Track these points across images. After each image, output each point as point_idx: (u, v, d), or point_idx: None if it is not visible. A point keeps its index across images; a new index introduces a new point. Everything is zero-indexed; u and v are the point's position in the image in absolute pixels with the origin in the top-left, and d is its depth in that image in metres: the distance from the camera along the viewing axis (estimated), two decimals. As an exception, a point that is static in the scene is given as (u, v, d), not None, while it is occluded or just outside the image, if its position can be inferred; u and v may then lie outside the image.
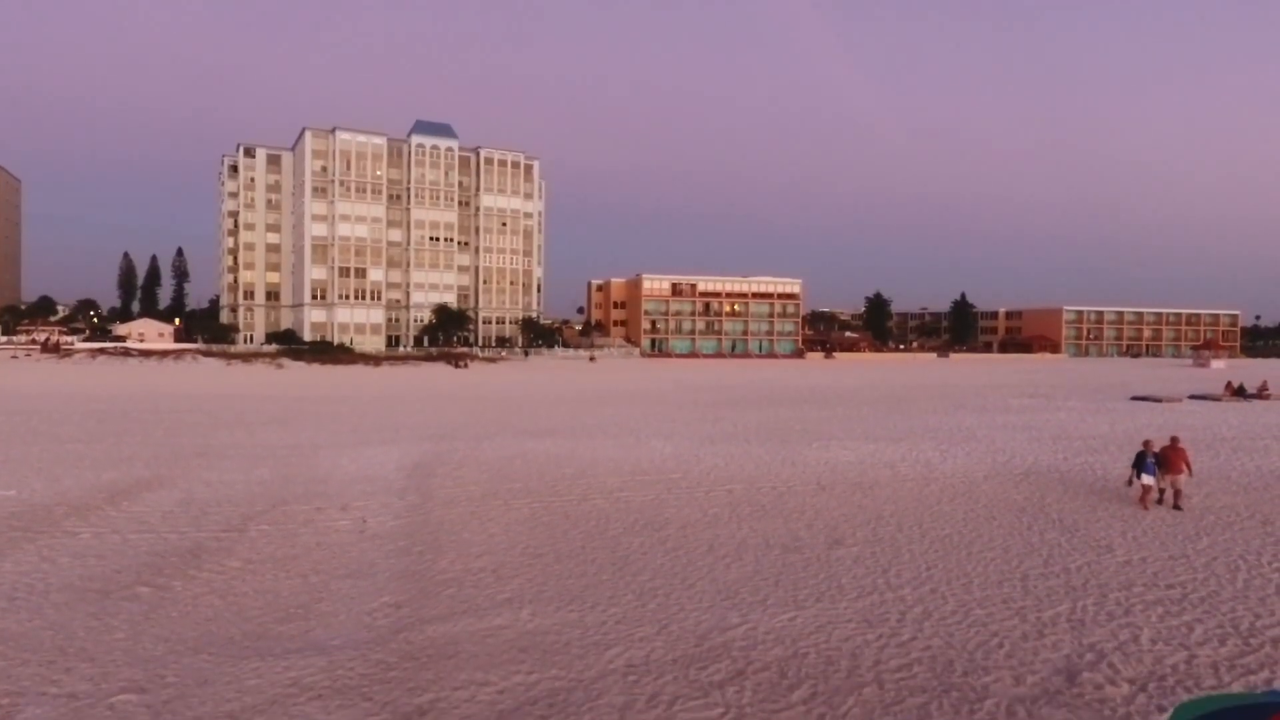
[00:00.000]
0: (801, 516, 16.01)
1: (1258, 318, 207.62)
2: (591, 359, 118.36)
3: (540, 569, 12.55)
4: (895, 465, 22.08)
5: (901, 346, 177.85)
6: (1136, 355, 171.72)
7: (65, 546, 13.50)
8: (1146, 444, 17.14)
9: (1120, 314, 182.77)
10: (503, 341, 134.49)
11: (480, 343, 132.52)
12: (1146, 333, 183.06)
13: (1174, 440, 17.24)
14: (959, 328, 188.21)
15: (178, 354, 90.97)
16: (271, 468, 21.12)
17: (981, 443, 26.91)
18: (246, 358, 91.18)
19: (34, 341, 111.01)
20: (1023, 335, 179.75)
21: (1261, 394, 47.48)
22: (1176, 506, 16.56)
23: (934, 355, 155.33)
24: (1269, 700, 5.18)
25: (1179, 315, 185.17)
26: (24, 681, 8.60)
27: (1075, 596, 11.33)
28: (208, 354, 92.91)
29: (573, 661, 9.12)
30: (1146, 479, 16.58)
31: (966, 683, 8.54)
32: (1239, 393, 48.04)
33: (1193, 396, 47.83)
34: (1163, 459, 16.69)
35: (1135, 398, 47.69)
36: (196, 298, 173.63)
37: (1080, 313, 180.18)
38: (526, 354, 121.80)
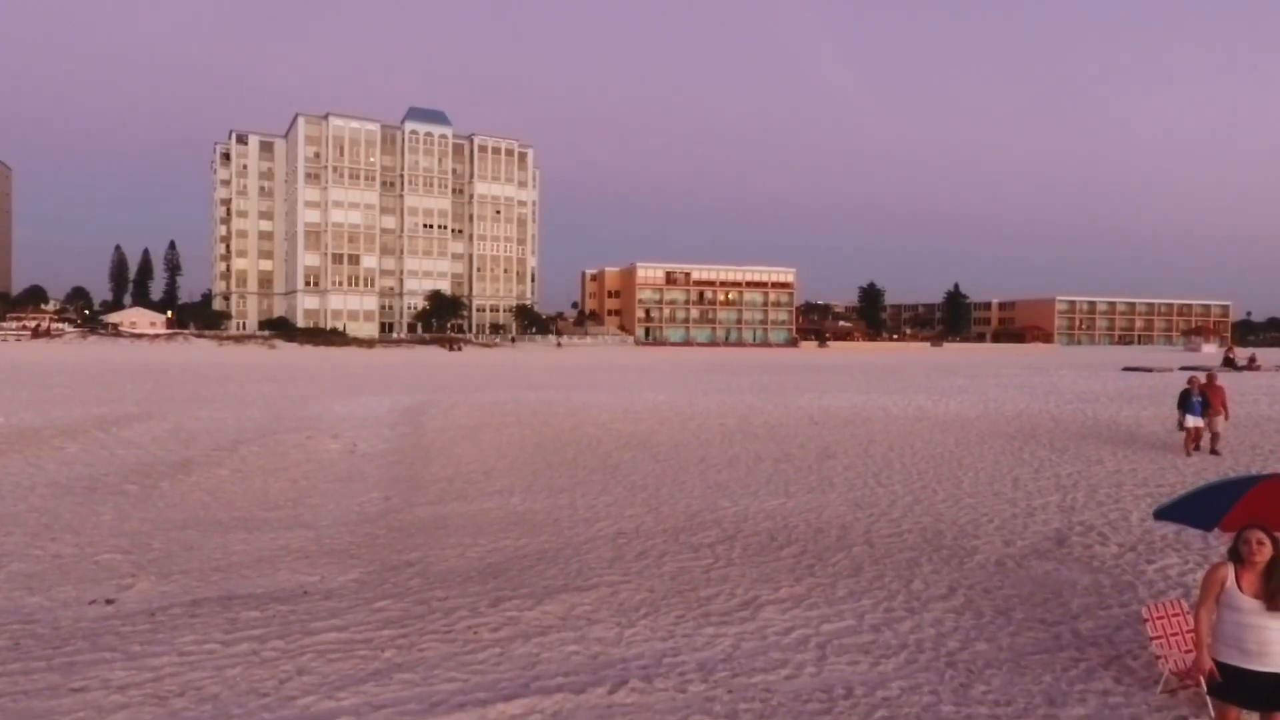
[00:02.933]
0: (794, 440, 16.01)
1: (1249, 313, 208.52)
2: (558, 344, 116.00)
3: (531, 472, 12.52)
4: (887, 409, 22.10)
5: (895, 336, 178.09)
6: (1129, 344, 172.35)
7: (53, 457, 13.41)
8: (1192, 381, 15.45)
9: (1112, 304, 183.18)
10: (497, 329, 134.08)
11: (474, 330, 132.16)
12: (1139, 323, 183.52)
13: (1211, 378, 15.78)
14: (952, 318, 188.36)
15: (169, 336, 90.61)
16: (262, 409, 21.02)
17: (974, 395, 26.97)
18: (239, 339, 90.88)
19: (25, 328, 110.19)
20: (1016, 325, 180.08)
21: (1251, 365, 47.85)
22: (1214, 451, 14.76)
23: (928, 344, 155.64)
24: (1243, 478, 5.26)
25: (1170, 306, 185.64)
26: (9, 547, 8.53)
27: (1065, 491, 11.35)
28: (200, 336, 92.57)
29: (562, 531, 9.09)
30: (1192, 420, 14.81)
31: (956, 544, 8.54)
32: (1228, 363, 48.44)
33: (1184, 368, 48.09)
34: (1205, 399, 14.88)
35: (1127, 368, 47.95)
36: (189, 291, 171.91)
37: (1073, 303, 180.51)
38: (514, 341, 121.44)
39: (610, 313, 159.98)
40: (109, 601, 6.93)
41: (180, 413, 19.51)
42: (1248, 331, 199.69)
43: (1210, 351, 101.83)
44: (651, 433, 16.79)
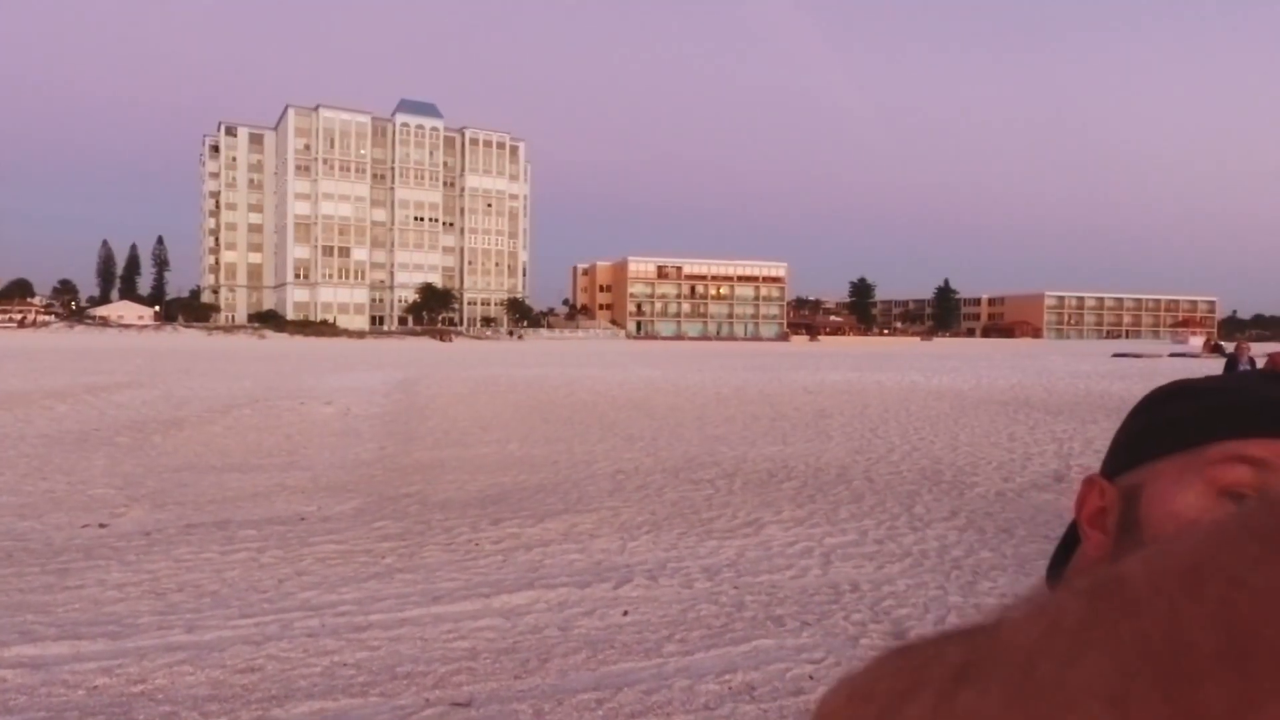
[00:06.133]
0: (789, 404, 16.01)
1: (1234, 311, 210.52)
2: (520, 337, 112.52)
3: (527, 427, 12.46)
4: (882, 382, 22.15)
5: (886, 331, 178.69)
6: (1117, 338, 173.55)
7: (42, 415, 13.27)
8: (1239, 348, 13.25)
9: (1101, 299, 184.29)
10: (488, 322, 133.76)
11: (465, 323, 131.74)
12: (1126, 318, 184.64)
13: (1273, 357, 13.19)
14: (942, 313, 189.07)
15: (158, 327, 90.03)
16: (254, 381, 20.88)
17: (966, 374, 27.07)
18: (228, 330, 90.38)
19: (10, 319, 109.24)
20: (1005, 321, 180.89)
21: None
22: None
23: (918, 339, 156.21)
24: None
25: (1158, 301, 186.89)
26: (-1, 484, 8.42)
27: (1061, 443, 11.38)
28: (188, 327, 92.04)
29: (560, 470, 9.04)
30: None
31: (956, 480, 8.53)
32: (1216, 349, 48.98)
33: (1173, 354, 48.59)
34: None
35: (1117, 354, 48.37)
36: (178, 288, 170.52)
37: (1061, 298, 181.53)
38: (511, 333, 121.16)
39: (602, 307, 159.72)
40: (102, 525, 6.84)
41: (171, 383, 19.35)
42: (1234, 328, 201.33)
43: (1197, 344, 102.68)
44: (646, 398, 16.76)
